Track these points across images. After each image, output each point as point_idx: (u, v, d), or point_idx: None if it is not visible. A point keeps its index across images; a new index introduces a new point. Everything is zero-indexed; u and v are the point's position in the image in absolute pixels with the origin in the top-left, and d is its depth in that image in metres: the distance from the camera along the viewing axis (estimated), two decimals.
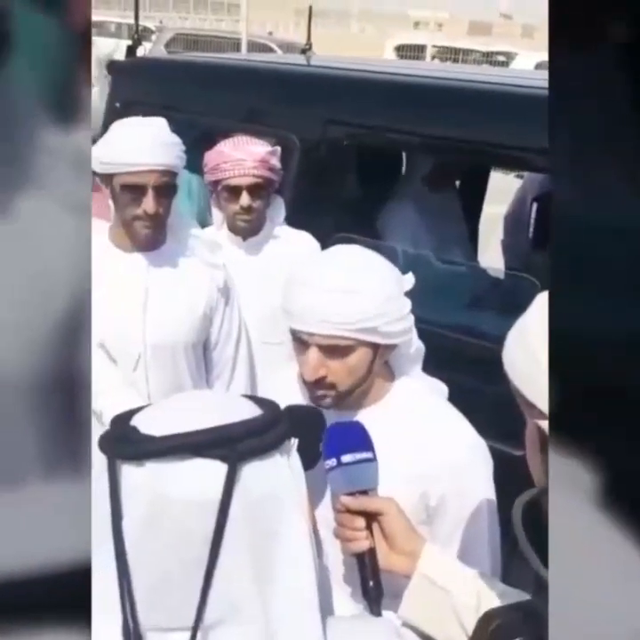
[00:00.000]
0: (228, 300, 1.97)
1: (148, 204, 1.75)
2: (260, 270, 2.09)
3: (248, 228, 2.10)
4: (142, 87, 2.84)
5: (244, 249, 2.13)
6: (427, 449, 1.24)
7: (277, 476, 0.76)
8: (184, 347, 1.88)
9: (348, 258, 1.25)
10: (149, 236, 1.82)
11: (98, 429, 1.63)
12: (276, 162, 2.07)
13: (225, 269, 1.96)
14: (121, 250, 1.87)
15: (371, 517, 1.06)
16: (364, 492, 1.07)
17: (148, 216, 1.77)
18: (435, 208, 2.66)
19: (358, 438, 1.09)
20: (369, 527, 1.06)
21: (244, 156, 2.02)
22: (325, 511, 1.18)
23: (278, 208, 2.18)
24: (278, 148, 2.11)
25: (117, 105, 2.78)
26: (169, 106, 2.73)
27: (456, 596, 0.99)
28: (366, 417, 1.28)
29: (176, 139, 1.82)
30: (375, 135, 2.35)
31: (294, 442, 0.82)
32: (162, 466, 0.71)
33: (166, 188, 1.77)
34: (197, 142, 2.95)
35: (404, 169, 2.96)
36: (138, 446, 0.71)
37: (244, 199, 2.03)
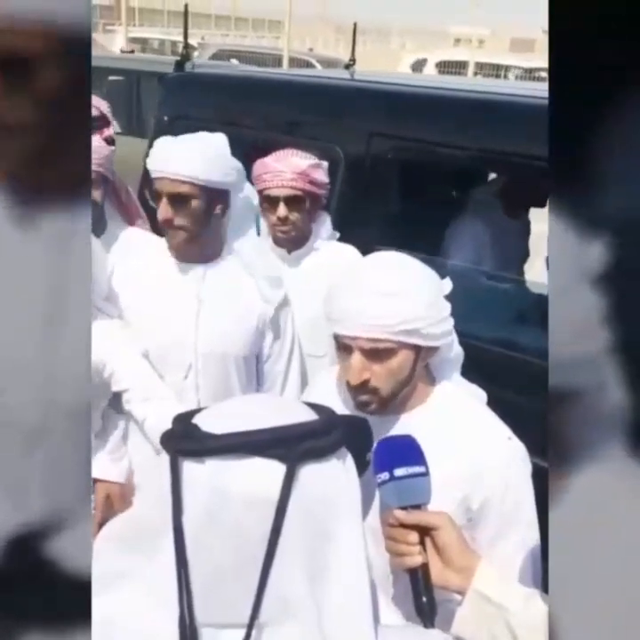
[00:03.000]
0: (282, 315, 1.97)
1: (161, 211, 1.79)
2: (303, 283, 2.10)
3: (286, 240, 2.12)
4: (189, 101, 2.90)
5: (288, 262, 2.16)
6: (468, 452, 1.25)
7: (334, 479, 0.77)
8: (235, 358, 1.89)
9: (388, 262, 1.28)
10: (181, 245, 1.84)
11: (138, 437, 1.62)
12: (319, 176, 2.08)
13: (283, 284, 1.98)
14: (177, 260, 1.90)
15: (423, 532, 1.06)
16: (417, 507, 1.07)
17: (165, 222, 1.80)
18: (504, 228, 2.65)
19: (411, 452, 1.10)
20: (422, 542, 1.06)
21: (283, 167, 2.04)
22: (372, 522, 1.19)
23: (322, 223, 2.20)
24: (323, 163, 2.12)
25: (165, 118, 2.84)
26: (215, 119, 2.78)
27: (511, 614, 0.98)
28: (408, 421, 1.30)
29: (212, 151, 1.81)
30: (419, 149, 2.36)
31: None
32: (222, 463, 0.73)
33: (180, 196, 1.77)
34: (246, 156, 3.01)
35: (456, 184, 2.95)
36: (199, 443, 0.73)
37: (281, 210, 2.05)
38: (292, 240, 2.13)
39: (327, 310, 1.27)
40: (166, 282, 1.88)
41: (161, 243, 1.92)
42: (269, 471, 0.73)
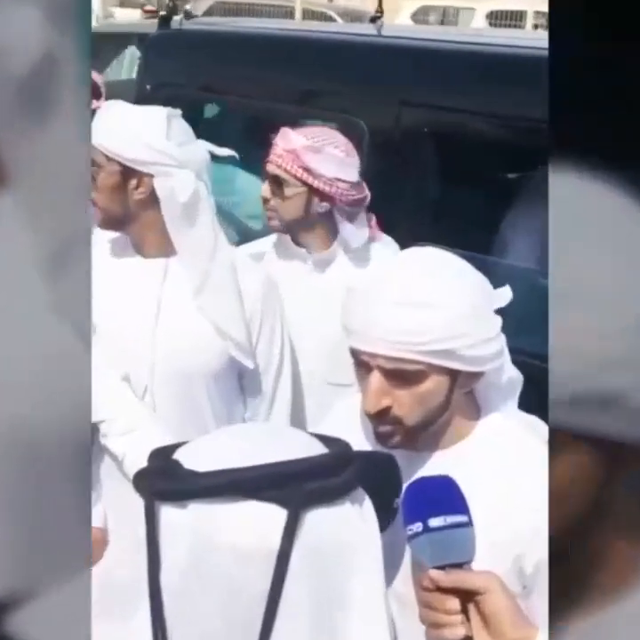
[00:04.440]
0: (267, 317, 1.98)
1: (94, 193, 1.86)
2: (325, 295, 2.09)
3: (276, 230, 2.16)
4: (177, 65, 2.95)
5: (310, 264, 2.16)
6: (520, 503, 1.23)
7: (348, 527, 0.78)
8: (203, 376, 1.89)
9: (420, 261, 1.27)
10: (103, 225, 1.90)
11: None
12: (314, 163, 2.02)
13: (266, 279, 1.99)
14: (140, 255, 1.93)
15: (466, 597, 1.04)
16: (458, 566, 1.06)
17: (100, 210, 1.87)
18: None
19: (450, 497, 1.08)
20: (464, 609, 1.04)
21: (279, 140, 2.08)
22: (400, 587, 1.19)
23: (355, 226, 2.16)
24: (328, 150, 2.07)
25: (148, 87, 2.88)
26: (210, 87, 2.83)
27: None
28: (443, 460, 1.29)
29: (138, 122, 1.86)
30: (463, 120, 2.38)
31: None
32: (208, 507, 0.74)
33: (94, 163, 1.82)
34: (246, 131, 3.03)
35: (511, 164, 2.95)
36: (181, 483, 0.75)
37: (263, 188, 2.11)
38: (281, 230, 2.15)
39: (344, 318, 1.27)
40: (123, 282, 1.90)
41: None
42: (267, 517, 0.74)
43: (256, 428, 0.95)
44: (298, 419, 2.11)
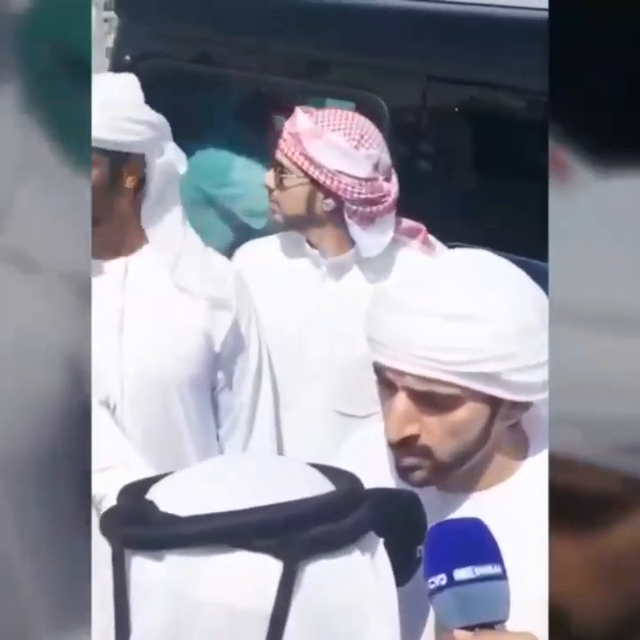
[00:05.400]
0: (242, 319, 2.03)
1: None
2: (342, 304, 2.08)
3: (280, 224, 2.17)
4: (163, 31, 2.95)
5: (324, 269, 2.13)
6: None
7: (356, 581, 0.76)
8: (177, 386, 1.94)
9: (467, 267, 1.26)
10: (106, 235, 1.88)
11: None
12: (315, 151, 1.97)
13: (237, 275, 2.03)
14: (98, 258, 1.91)
15: None
16: (489, 626, 1.06)
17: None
18: None
19: (480, 544, 1.08)
20: None
21: (288, 123, 2.08)
22: None
23: (377, 230, 2.14)
24: (333, 137, 2.06)
25: (127, 58, 2.89)
26: (201, 59, 2.84)
27: None
28: (481, 502, 1.28)
29: (107, 99, 1.84)
30: (502, 98, 2.38)
31: (379, 538, 0.83)
32: (190, 559, 0.73)
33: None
34: (246, 112, 3.04)
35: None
36: (156, 529, 0.73)
37: (267, 177, 2.12)
38: (285, 227, 2.17)
39: (368, 329, 1.26)
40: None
41: None
42: (259, 571, 0.73)
43: (247, 461, 0.93)
44: (278, 436, 2.15)
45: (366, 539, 0.79)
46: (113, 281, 1.94)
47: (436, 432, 1.22)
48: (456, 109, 2.42)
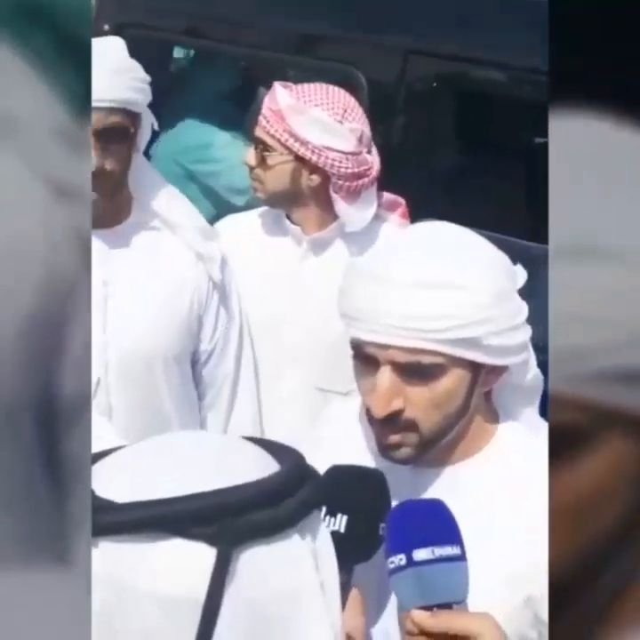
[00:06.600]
0: (224, 296, 2.04)
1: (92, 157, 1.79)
2: (323, 280, 2.07)
3: (263, 201, 2.17)
4: (144, 3, 2.89)
5: (305, 246, 2.13)
6: (539, 532, 1.23)
7: (294, 566, 0.75)
8: (163, 360, 1.95)
9: (437, 237, 1.27)
10: (100, 205, 1.82)
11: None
12: (298, 127, 1.98)
13: (221, 259, 2.03)
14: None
15: None
16: (447, 606, 1.06)
17: (94, 175, 1.83)
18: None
19: (440, 525, 1.08)
20: None
21: (267, 98, 2.07)
22: (388, 624, 1.19)
23: (358, 205, 2.13)
24: (315, 112, 2.03)
25: (106, 27, 2.85)
26: (184, 30, 2.81)
27: None
28: (454, 477, 1.28)
29: (129, 63, 1.88)
30: (482, 73, 2.36)
31: (320, 514, 0.82)
32: (124, 547, 0.72)
33: (117, 132, 1.83)
34: (228, 85, 3.01)
35: (540, 125, 2.93)
36: (92, 516, 0.73)
37: (248, 155, 2.12)
38: (268, 204, 2.17)
39: (342, 305, 1.25)
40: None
41: None
42: (193, 558, 0.72)
43: (184, 441, 0.91)
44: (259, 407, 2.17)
45: (307, 521, 0.78)
46: (98, 254, 1.93)
47: (420, 404, 1.22)
48: (434, 85, 2.41)
